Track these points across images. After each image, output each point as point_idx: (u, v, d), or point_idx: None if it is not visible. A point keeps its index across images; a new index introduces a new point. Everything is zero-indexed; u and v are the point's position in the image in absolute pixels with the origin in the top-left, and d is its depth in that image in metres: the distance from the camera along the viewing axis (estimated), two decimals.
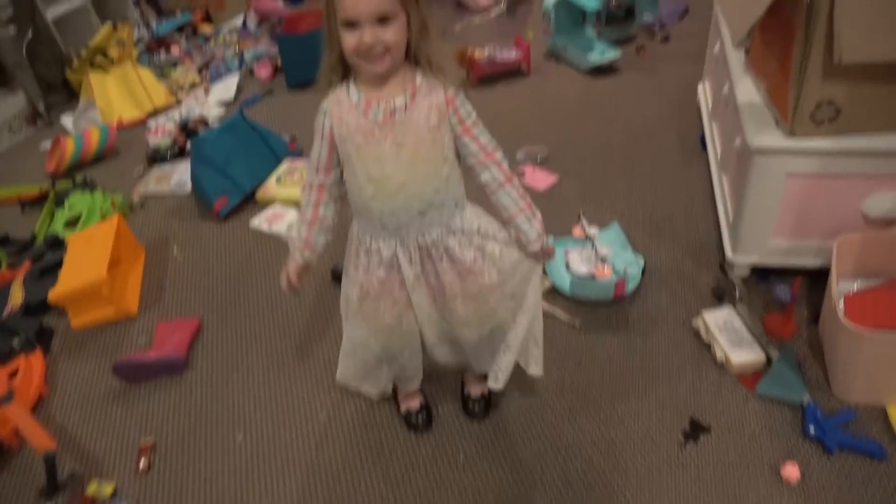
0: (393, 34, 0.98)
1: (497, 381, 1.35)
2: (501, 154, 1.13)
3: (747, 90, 1.58)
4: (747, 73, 1.63)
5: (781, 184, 1.46)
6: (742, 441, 1.35)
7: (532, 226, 1.16)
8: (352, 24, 0.97)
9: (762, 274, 1.67)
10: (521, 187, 1.16)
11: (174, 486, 1.45)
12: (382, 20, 0.97)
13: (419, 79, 1.06)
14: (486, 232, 1.19)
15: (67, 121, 3.11)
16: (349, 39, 0.98)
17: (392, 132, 1.05)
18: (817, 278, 1.57)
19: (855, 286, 1.51)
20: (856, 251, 1.47)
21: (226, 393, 1.65)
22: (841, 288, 1.48)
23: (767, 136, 1.42)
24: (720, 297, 1.65)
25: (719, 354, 1.49)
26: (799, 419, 1.36)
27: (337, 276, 1.91)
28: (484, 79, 2.85)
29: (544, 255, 1.21)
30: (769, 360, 1.46)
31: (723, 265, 1.70)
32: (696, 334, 1.57)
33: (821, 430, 1.31)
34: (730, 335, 1.51)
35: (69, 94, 3.33)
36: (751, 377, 1.45)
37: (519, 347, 1.32)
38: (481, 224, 1.19)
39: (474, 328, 1.25)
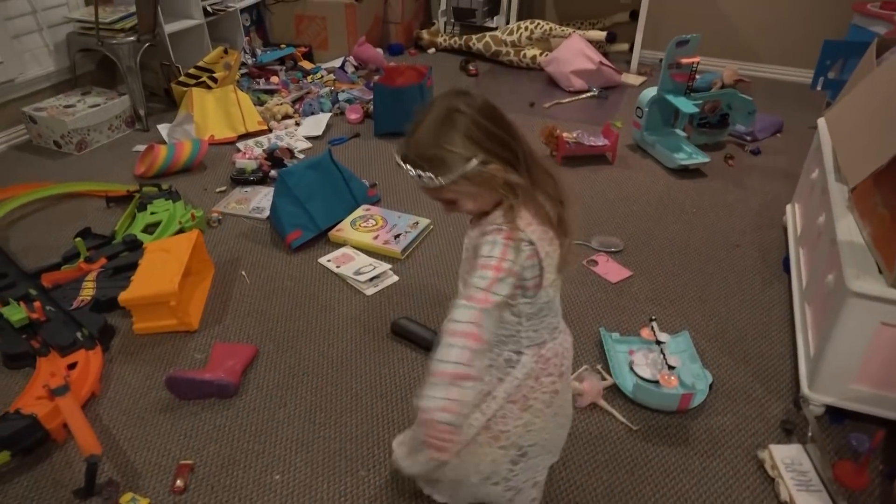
0: (466, 207, 1.05)
1: None
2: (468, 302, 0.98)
3: (849, 229, 1.55)
4: (850, 211, 1.60)
5: (873, 330, 1.41)
6: None
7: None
8: None
9: (836, 415, 1.60)
10: (456, 347, 0.95)
11: None
12: (448, 203, 1.05)
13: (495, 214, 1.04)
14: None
15: (163, 129, 3.25)
16: None
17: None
18: None
19: None
20: None
21: (270, 427, 1.64)
22: None
23: (867, 282, 1.38)
24: (789, 431, 1.58)
25: (783, 494, 1.42)
26: None
27: (396, 331, 1.92)
28: (568, 159, 2.88)
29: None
30: None
31: (797, 399, 1.64)
32: (761, 466, 1.51)
33: None
34: (797, 475, 1.44)
35: (168, 104, 3.50)
36: None
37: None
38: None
39: None
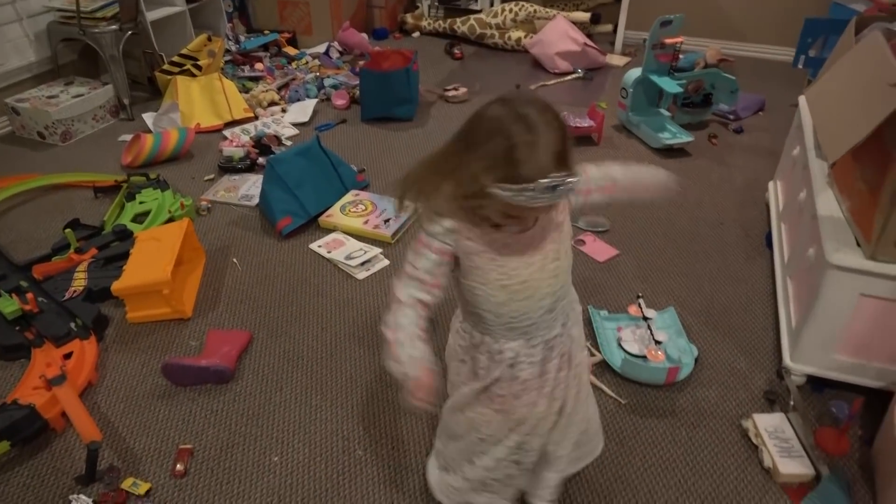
0: None
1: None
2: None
3: (828, 203, 1.59)
4: (830, 187, 1.65)
5: (853, 302, 1.45)
6: None
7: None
8: None
9: (817, 384, 1.65)
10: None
11: (207, 495, 1.46)
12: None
13: None
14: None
15: (148, 118, 3.24)
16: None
17: (528, 242, 1.05)
18: (875, 399, 1.55)
19: None
20: None
21: (267, 411, 1.67)
22: None
23: (847, 255, 1.42)
24: (772, 401, 1.63)
25: (767, 460, 1.47)
26: None
27: None
28: None
29: None
30: (818, 476, 1.43)
31: (779, 370, 1.69)
32: (745, 435, 1.56)
33: None
34: (779, 442, 1.49)
35: (152, 93, 3.48)
36: (797, 489, 1.43)
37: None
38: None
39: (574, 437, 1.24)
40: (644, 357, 1.71)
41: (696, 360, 1.74)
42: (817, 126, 1.66)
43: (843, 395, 1.64)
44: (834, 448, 1.50)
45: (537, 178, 0.87)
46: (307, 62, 3.83)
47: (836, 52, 1.94)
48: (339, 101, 3.35)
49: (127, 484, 1.47)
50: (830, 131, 1.51)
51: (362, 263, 2.18)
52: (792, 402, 1.59)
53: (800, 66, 2.90)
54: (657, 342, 1.74)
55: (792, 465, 1.44)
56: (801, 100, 2.07)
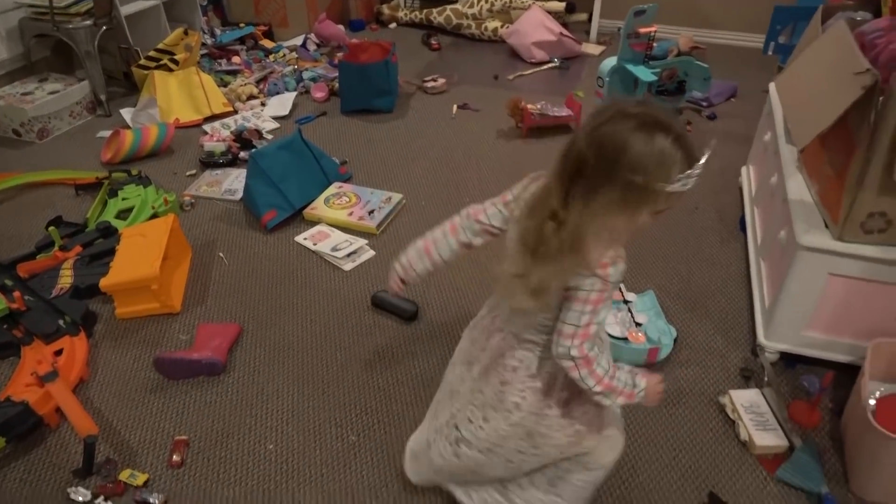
0: None
1: None
2: None
3: (798, 187, 1.67)
4: (799, 171, 1.72)
5: (823, 281, 1.53)
6: None
7: None
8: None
9: (790, 361, 1.73)
10: None
11: (204, 483, 1.50)
12: None
13: None
14: None
15: (126, 114, 3.21)
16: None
17: None
18: (844, 373, 1.63)
19: (882, 389, 1.56)
20: (889, 357, 1.52)
21: (260, 401, 1.70)
22: (870, 388, 1.53)
23: (816, 236, 1.50)
24: (748, 377, 1.71)
25: (743, 434, 1.54)
26: None
27: (376, 303, 1.98)
28: (533, 131, 2.95)
29: None
30: (791, 447, 1.51)
31: (754, 347, 1.76)
32: (722, 410, 1.63)
33: None
34: (755, 417, 1.57)
35: (129, 88, 3.45)
36: (772, 460, 1.50)
37: None
38: None
39: None
40: (625, 339, 1.77)
41: (675, 340, 1.80)
42: (786, 113, 1.73)
43: (814, 370, 1.72)
44: (806, 420, 1.58)
45: (698, 158, 0.96)
46: (284, 55, 3.83)
47: (804, 40, 2.00)
48: (319, 94, 3.36)
49: (125, 475, 1.50)
50: (799, 118, 1.58)
51: (348, 255, 2.21)
52: (766, 378, 1.66)
53: (770, 53, 2.98)
54: (637, 324, 1.80)
55: (767, 438, 1.52)
56: (772, 87, 2.15)
